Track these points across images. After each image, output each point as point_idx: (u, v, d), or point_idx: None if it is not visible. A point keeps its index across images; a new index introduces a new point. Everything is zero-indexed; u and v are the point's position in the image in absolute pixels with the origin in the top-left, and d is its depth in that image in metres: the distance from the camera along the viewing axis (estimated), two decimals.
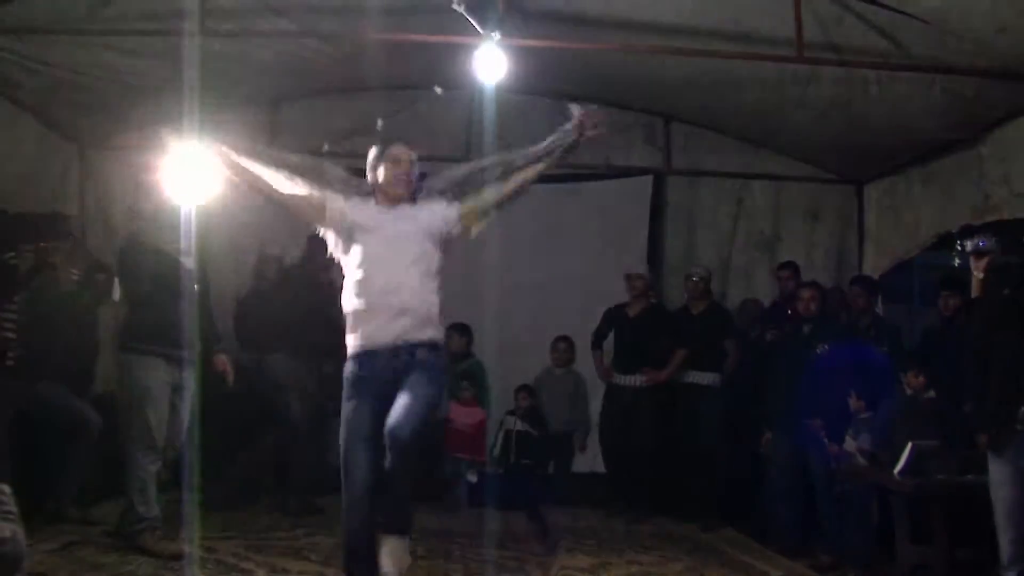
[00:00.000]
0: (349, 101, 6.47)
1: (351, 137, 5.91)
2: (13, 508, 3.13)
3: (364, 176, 3.40)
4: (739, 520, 5.70)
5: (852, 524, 4.77)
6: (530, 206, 6.26)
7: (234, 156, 3.29)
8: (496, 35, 4.37)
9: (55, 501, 4.70)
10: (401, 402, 3.07)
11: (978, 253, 3.57)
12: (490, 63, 4.47)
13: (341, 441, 3.21)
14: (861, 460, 4.72)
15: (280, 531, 4.95)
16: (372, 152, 3.40)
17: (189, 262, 4.34)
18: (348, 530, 3.23)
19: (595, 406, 6.48)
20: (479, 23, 4.39)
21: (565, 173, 6.16)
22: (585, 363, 6.50)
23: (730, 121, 6.53)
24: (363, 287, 3.20)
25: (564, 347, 6.60)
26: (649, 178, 6.93)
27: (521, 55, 4.65)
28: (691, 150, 6.89)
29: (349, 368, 3.25)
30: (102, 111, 5.75)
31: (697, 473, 5.93)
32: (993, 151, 5.04)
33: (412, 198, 3.34)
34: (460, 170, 3.41)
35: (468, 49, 4.51)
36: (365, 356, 3.20)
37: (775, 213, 6.87)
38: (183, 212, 4.09)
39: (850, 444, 4.82)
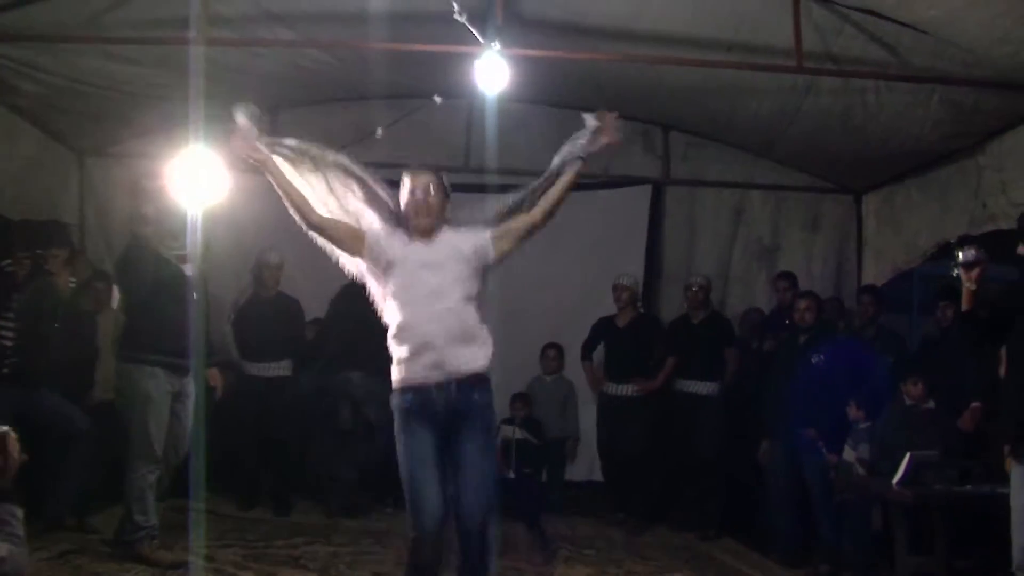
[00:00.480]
0: (349, 109, 6.47)
1: (351, 146, 5.92)
2: (20, 531, 3.13)
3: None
4: (738, 530, 5.69)
5: (850, 534, 4.76)
6: None
7: (286, 168, 3.20)
8: (496, 45, 4.37)
9: (52, 509, 4.68)
10: (467, 482, 3.04)
11: (967, 265, 3.55)
12: (491, 72, 4.47)
13: (404, 474, 3.07)
14: (860, 470, 4.72)
15: (279, 540, 4.93)
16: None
17: (190, 269, 4.33)
18: (417, 564, 3.08)
19: (588, 414, 6.46)
20: (479, 33, 4.39)
21: None
22: (576, 371, 6.48)
23: (729, 131, 6.54)
24: (403, 320, 3.10)
25: (553, 354, 6.58)
26: (648, 187, 6.92)
27: (520, 64, 4.65)
28: (690, 159, 6.91)
29: (399, 399, 3.12)
30: (102, 119, 5.77)
31: (696, 483, 5.93)
32: (991, 161, 5.05)
33: (440, 225, 3.23)
34: (488, 204, 3.36)
35: (468, 58, 4.52)
36: (414, 391, 3.09)
37: (774, 222, 6.88)
38: (186, 218, 4.08)
39: (849, 454, 4.81)
